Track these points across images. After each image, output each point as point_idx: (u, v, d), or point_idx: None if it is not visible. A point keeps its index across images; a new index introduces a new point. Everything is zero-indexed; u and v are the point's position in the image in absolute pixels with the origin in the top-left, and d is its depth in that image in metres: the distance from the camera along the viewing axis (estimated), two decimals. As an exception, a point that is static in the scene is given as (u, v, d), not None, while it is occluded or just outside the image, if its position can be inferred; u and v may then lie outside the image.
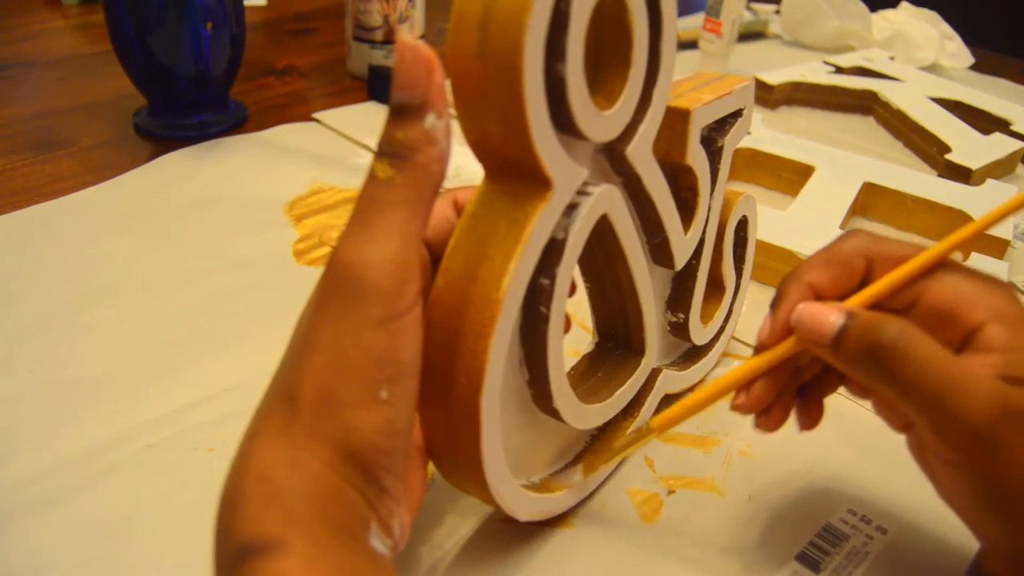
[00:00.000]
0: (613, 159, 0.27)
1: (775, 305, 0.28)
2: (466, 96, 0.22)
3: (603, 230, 0.27)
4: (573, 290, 0.27)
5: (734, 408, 0.28)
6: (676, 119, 0.30)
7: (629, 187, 0.29)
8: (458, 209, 0.27)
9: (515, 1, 0.20)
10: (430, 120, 0.21)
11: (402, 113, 0.21)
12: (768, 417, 0.28)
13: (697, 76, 0.34)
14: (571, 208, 0.24)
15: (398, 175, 0.21)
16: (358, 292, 0.21)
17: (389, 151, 0.22)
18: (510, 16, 0.20)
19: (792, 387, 0.29)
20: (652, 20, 0.25)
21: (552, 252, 0.24)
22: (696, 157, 0.31)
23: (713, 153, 0.33)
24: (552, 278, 0.24)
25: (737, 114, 0.34)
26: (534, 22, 0.20)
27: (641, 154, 0.28)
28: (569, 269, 0.25)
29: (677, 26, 0.27)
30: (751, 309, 0.44)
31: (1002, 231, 0.49)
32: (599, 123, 0.24)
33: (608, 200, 0.26)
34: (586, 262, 0.30)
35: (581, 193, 0.25)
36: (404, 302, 0.21)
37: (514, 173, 0.23)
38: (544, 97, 0.22)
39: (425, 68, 0.21)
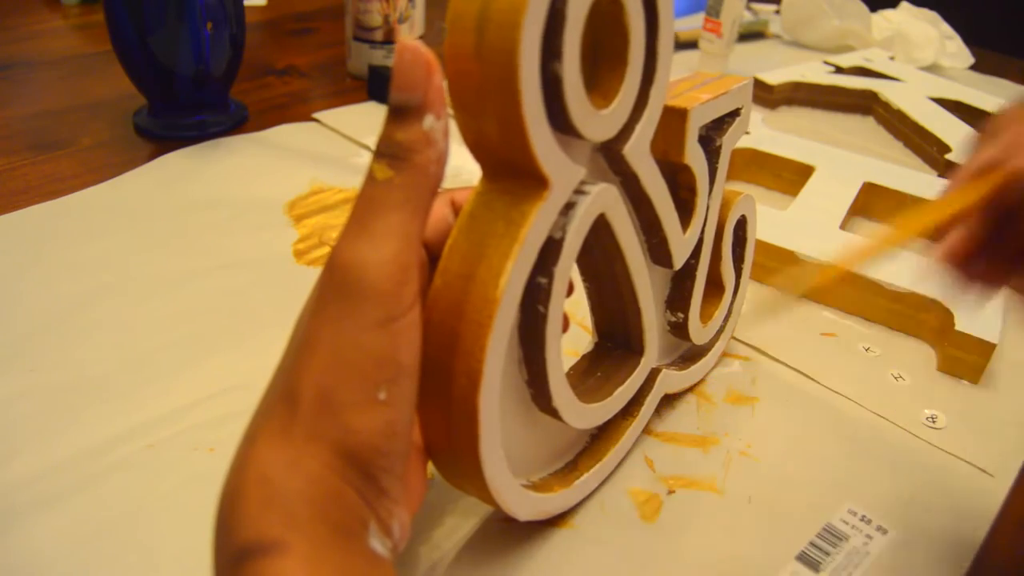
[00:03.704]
0: (611, 158, 0.28)
1: (974, 148, 0.26)
2: (463, 96, 0.22)
3: (601, 229, 0.27)
4: (571, 290, 0.27)
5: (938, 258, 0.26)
6: (674, 118, 0.30)
7: (627, 186, 0.29)
8: (455, 209, 0.27)
9: (511, 2, 0.20)
10: (429, 121, 0.21)
11: (401, 114, 0.21)
12: (976, 279, 0.26)
13: (695, 76, 0.35)
14: (568, 207, 0.24)
15: (397, 176, 0.21)
16: (357, 293, 0.21)
17: (388, 152, 0.22)
18: (506, 16, 0.20)
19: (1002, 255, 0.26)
20: (649, 19, 0.25)
21: (550, 251, 0.24)
22: (694, 156, 0.31)
23: (711, 152, 0.33)
24: (550, 277, 0.24)
25: (735, 113, 0.34)
26: (530, 22, 0.20)
27: (639, 153, 0.28)
28: (567, 268, 0.25)
29: (674, 25, 0.27)
30: (750, 309, 0.44)
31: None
32: (596, 122, 0.24)
33: (606, 199, 0.26)
34: (585, 262, 0.30)
35: (579, 192, 0.25)
36: (403, 303, 0.21)
37: (511, 173, 0.23)
38: (540, 96, 0.22)
39: (424, 69, 0.21)
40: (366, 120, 0.63)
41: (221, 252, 0.45)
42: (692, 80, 0.34)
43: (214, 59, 0.55)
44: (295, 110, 0.64)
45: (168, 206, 0.49)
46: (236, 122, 0.60)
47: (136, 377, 0.36)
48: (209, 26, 0.54)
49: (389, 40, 0.68)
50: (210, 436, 0.33)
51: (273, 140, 0.58)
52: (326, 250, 0.46)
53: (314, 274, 0.43)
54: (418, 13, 0.69)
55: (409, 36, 0.20)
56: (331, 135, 0.61)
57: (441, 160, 0.22)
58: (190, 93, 0.57)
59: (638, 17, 0.25)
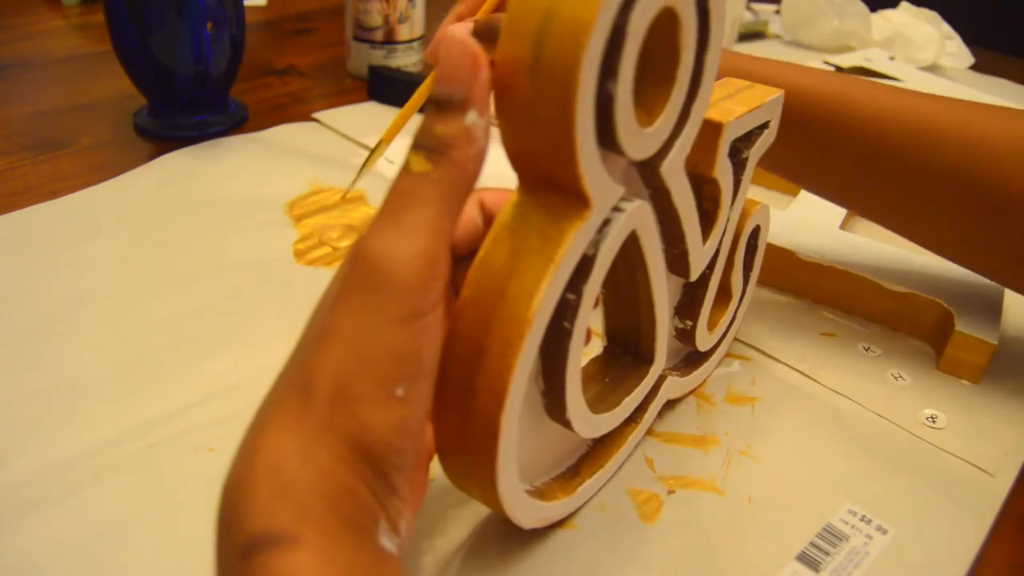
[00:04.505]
0: (645, 173, 0.27)
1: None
2: (512, 107, 0.21)
3: (629, 243, 0.26)
4: (597, 303, 0.27)
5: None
6: (708, 132, 0.29)
7: (656, 199, 0.28)
8: (484, 210, 0.26)
9: (576, 19, 0.19)
10: (471, 117, 0.21)
11: (443, 108, 0.21)
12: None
13: (726, 84, 0.34)
14: (604, 224, 0.24)
15: (434, 170, 0.21)
16: (383, 286, 0.20)
17: (426, 145, 0.21)
18: (570, 34, 0.20)
19: None
20: (700, 36, 0.25)
21: (581, 268, 0.23)
22: (723, 170, 0.31)
23: (737, 164, 0.32)
24: (579, 294, 0.24)
25: (764, 126, 0.33)
26: (594, 41, 0.20)
27: (674, 170, 0.27)
28: (596, 285, 0.24)
29: (723, 41, 0.26)
30: (750, 309, 0.44)
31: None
32: (640, 140, 0.23)
33: (639, 217, 0.25)
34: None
35: (615, 209, 0.24)
36: (429, 300, 0.21)
37: (551, 187, 0.23)
38: (593, 115, 0.21)
39: (471, 64, 0.21)
40: (366, 120, 0.63)
41: (221, 252, 0.45)
42: (724, 88, 0.33)
43: (214, 59, 0.55)
44: (295, 110, 0.64)
45: (168, 206, 0.49)
46: (236, 122, 0.60)
47: (136, 377, 0.36)
48: (209, 26, 0.54)
49: (389, 40, 0.68)
50: (210, 436, 0.33)
51: (273, 140, 0.58)
52: (326, 250, 0.46)
53: (314, 274, 0.44)
54: (418, 13, 0.69)
55: (459, 29, 0.20)
56: (331, 135, 0.61)
57: (480, 158, 0.21)
58: (190, 93, 0.57)
59: (691, 34, 0.24)
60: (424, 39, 0.71)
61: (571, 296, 0.24)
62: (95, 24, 0.80)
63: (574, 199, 0.22)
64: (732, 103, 0.32)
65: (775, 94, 0.34)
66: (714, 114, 0.30)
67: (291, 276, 0.44)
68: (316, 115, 0.63)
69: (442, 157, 0.21)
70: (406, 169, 0.21)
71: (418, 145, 0.21)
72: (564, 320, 0.24)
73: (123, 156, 0.54)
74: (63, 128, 0.58)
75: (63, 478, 0.30)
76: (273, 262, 0.45)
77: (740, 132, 0.32)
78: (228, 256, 0.45)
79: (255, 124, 0.61)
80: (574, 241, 0.22)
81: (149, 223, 0.47)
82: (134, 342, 0.38)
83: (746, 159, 0.33)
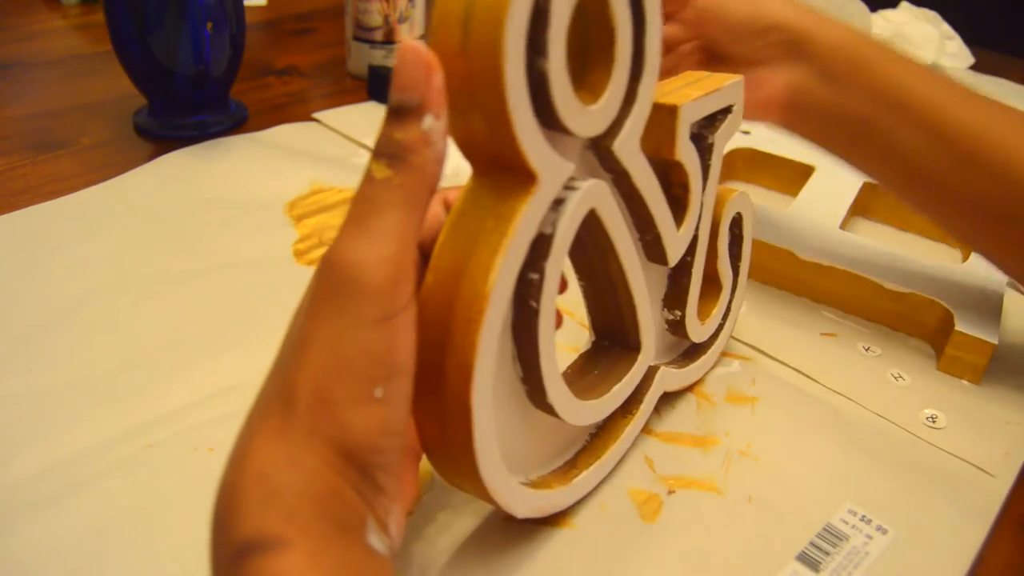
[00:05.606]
0: (601, 155, 0.28)
1: None
2: (451, 93, 0.22)
3: (593, 226, 0.27)
4: (564, 286, 0.28)
5: None
6: (664, 116, 0.30)
7: (619, 184, 0.29)
8: (448, 208, 0.27)
9: (494, 1, 0.20)
10: (428, 122, 0.21)
11: (400, 114, 0.22)
12: None
13: (685, 75, 0.35)
14: (558, 203, 0.25)
15: (395, 176, 0.22)
16: (354, 292, 0.21)
17: (386, 151, 0.22)
18: (490, 13, 0.21)
19: None
20: (636, 17, 0.26)
21: (540, 247, 0.24)
22: (686, 153, 0.31)
23: (703, 149, 0.33)
24: (541, 272, 0.24)
25: (727, 111, 0.34)
26: (513, 19, 0.21)
27: (629, 150, 0.28)
28: (558, 263, 0.25)
29: (662, 23, 0.27)
30: (750, 309, 0.44)
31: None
32: (584, 118, 0.24)
33: (596, 195, 0.26)
34: (579, 260, 0.31)
35: (568, 188, 0.25)
36: (400, 302, 0.21)
37: (500, 168, 0.23)
38: (526, 92, 0.22)
39: (424, 70, 0.21)
40: (366, 120, 0.63)
41: (221, 252, 0.45)
42: (683, 79, 0.34)
43: (214, 59, 0.55)
44: (295, 110, 0.64)
45: (168, 206, 0.49)
46: (236, 122, 0.60)
47: (136, 377, 0.36)
48: (209, 26, 0.54)
49: (389, 40, 0.68)
50: (210, 436, 0.33)
51: (273, 140, 0.58)
52: (326, 250, 0.46)
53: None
54: (418, 13, 0.69)
55: (410, 36, 0.20)
56: (331, 135, 0.61)
57: (439, 160, 0.22)
58: (190, 93, 0.57)
59: (624, 15, 0.25)
60: (425, 39, 0.71)
61: (534, 275, 0.24)
62: (95, 24, 0.80)
63: (521, 177, 0.23)
64: (689, 89, 0.32)
65: (734, 79, 0.34)
66: (670, 99, 0.31)
67: (291, 276, 0.44)
68: (316, 115, 0.63)
69: (402, 163, 0.22)
70: (368, 176, 0.22)
71: (379, 152, 0.22)
72: (530, 299, 0.25)
73: (123, 156, 0.54)
74: (63, 128, 0.58)
75: (63, 478, 0.30)
76: (273, 262, 0.45)
77: (699, 116, 0.32)
78: (228, 256, 0.45)
79: (255, 124, 0.61)
80: (525, 216, 0.23)
81: (149, 223, 0.47)
82: (134, 342, 0.38)
83: (711, 144, 0.33)
